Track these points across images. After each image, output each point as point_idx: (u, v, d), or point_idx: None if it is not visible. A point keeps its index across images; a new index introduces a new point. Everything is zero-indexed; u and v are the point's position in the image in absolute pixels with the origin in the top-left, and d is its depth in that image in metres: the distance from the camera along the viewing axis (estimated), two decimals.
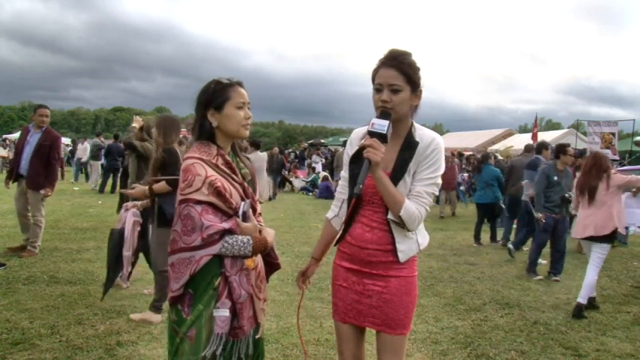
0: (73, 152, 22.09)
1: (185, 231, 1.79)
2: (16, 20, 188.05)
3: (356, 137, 2.04)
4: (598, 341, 3.94)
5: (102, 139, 17.47)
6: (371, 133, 1.80)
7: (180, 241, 1.81)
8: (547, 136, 23.24)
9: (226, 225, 1.82)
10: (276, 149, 16.86)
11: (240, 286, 1.85)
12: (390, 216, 1.87)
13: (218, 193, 1.81)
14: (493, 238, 8.50)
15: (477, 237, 8.37)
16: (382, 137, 1.78)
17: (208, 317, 1.81)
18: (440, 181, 1.91)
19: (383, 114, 1.83)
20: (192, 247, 1.79)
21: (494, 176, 8.44)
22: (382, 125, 1.78)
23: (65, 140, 19.57)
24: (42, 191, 5.76)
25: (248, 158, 2.15)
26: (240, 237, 1.84)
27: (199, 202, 1.78)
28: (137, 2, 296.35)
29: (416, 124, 1.94)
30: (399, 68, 1.84)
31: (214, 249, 1.79)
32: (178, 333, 1.83)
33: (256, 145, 9.06)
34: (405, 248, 1.90)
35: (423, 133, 1.91)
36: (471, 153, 21.66)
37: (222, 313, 1.82)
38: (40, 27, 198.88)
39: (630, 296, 5.36)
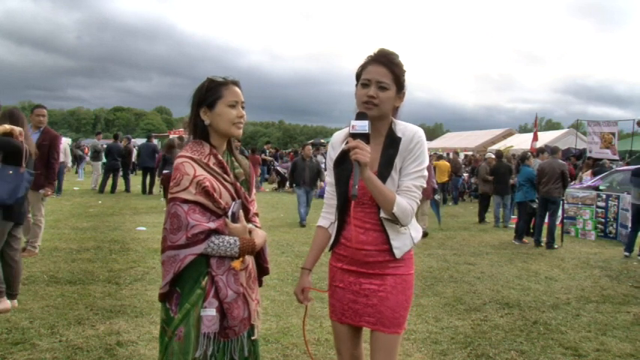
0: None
1: (172, 229, 1.80)
2: (8, 19, 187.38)
3: (337, 140, 2.04)
4: (598, 341, 3.94)
5: (100, 138, 17.49)
6: (353, 135, 1.79)
7: (168, 239, 1.82)
8: (547, 136, 23.30)
9: (212, 225, 1.81)
10: (309, 149, 10.65)
11: (226, 286, 1.84)
12: (382, 214, 1.87)
13: (206, 192, 1.80)
14: (519, 236, 8.77)
15: (517, 233, 8.82)
16: (365, 137, 1.78)
17: (197, 317, 1.81)
18: (426, 173, 1.93)
19: (360, 115, 1.83)
20: (177, 245, 1.79)
21: (525, 177, 8.96)
22: (363, 126, 1.78)
23: (66, 140, 19.53)
24: (41, 191, 5.75)
25: (247, 157, 2.14)
26: (227, 237, 1.84)
27: (186, 202, 1.78)
28: (129, 1, 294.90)
29: (395, 120, 1.95)
30: (389, 67, 1.86)
31: (199, 248, 1.79)
32: (167, 332, 1.83)
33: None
34: (400, 244, 1.91)
35: (404, 128, 1.92)
36: (470, 153, 21.69)
37: (209, 312, 1.82)
38: (33, 26, 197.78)
39: (630, 296, 5.36)
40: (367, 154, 1.75)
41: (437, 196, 10.34)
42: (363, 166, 1.76)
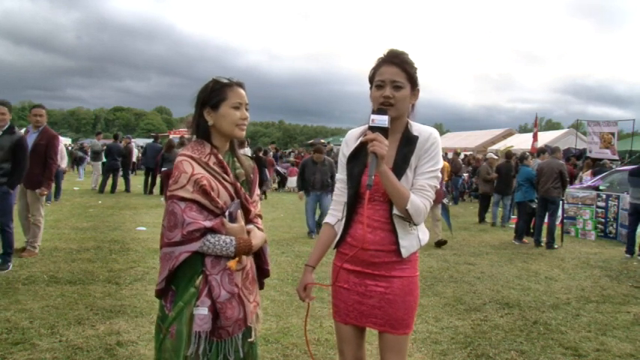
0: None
1: (168, 227, 1.81)
2: (6, 19, 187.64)
3: (352, 137, 2.04)
4: (598, 341, 3.94)
5: (100, 138, 17.47)
6: (372, 128, 1.80)
7: (165, 236, 1.83)
8: (547, 137, 23.28)
9: (208, 223, 1.81)
10: (322, 150, 8.96)
11: (220, 286, 1.84)
12: (395, 211, 1.87)
13: (204, 191, 1.81)
14: (519, 236, 8.77)
15: (517, 233, 8.84)
16: (384, 131, 1.79)
17: (190, 315, 1.81)
18: (440, 174, 1.94)
19: (380, 110, 1.84)
20: (172, 242, 1.80)
21: (524, 177, 8.99)
22: (383, 120, 1.80)
23: (66, 140, 19.48)
24: (37, 190, 5.73)
25: (251, 156, 2.13)
26: (223, 237, 1.83)
27: (183, 199, 1.79)
28: (128, 0, 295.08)
29: (410, 121, 1.97)
30: (401, 66, 1.88)
31: (194, 246, 1.79)
32: (162, 329, 1.84)
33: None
34: (407, 244, 1.91)
35: (420, 128, 1.94)
36: (470, 153, 21.69)
37: (201, 311, 1.81)
38: (31, 26, 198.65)
39: (630, 296, 5.36)
40: (385, 147, 1.75)
41: (445, 200, 9.18)
42: (380, 159, 1.76)
